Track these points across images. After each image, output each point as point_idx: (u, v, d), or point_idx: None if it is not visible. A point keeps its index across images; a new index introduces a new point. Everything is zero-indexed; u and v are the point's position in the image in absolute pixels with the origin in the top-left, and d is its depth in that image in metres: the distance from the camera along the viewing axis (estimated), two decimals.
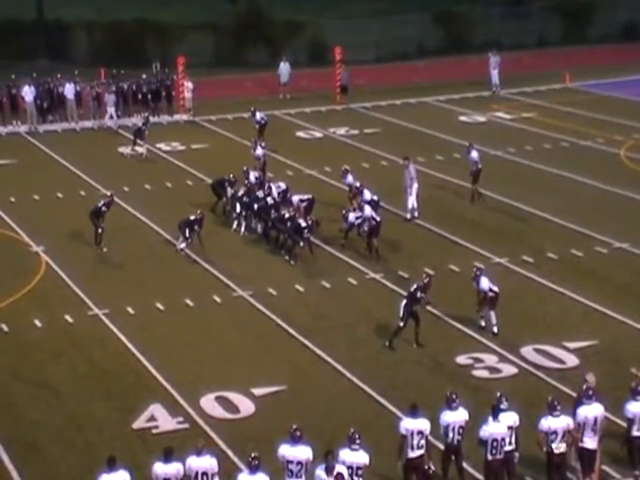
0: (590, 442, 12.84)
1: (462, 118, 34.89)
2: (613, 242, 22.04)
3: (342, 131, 33.39)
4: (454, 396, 13.03)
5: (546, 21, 47.27)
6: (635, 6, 47.08)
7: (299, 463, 12.05)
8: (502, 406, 12.80)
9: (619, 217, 23.65)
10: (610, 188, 25.93)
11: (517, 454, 12.90)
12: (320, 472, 11.85)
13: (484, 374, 16.56)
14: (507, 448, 12.74)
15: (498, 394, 13.05)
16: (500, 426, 12.60)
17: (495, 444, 12.55)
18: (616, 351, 17.01)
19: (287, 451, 12.15)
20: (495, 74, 38.12)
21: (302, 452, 12.12)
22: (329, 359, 17.06)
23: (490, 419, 12.67)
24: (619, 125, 32.40)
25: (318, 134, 33.35)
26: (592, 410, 12.92)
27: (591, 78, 39.07)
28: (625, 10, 47.00)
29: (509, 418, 12.77)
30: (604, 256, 21.43)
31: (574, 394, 14.71)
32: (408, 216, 23.85)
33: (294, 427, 12.33)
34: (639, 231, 22.41)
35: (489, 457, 12.63)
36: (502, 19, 48.15)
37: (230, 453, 14.18)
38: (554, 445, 12.65)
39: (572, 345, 17.27)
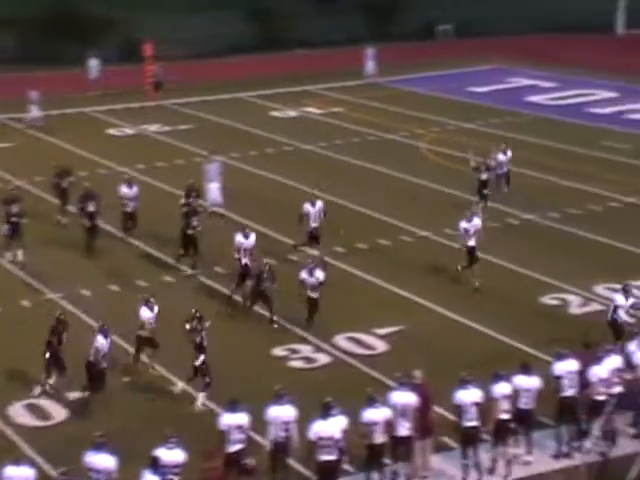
0: (403, 430, 13.19)
1: (274, 113, 35.52)
2: (417, 231, 23.18)
3: (155, 127, 33.16)
4: (282, 392, 13.17)
5: (355, 18, 48.71)
6: (431, 6, 49.45)
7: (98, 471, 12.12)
8: (333, 411, 12.85)
9: (421, 206, 24.89)
10: (413, 179, 27.21)
11: (346, 458, 13.00)
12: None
13: (300, 364, 17.00)
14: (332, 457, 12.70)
15: (328, 399, 13.07)
16: (328, 425, 12.73)
17: (322, 443, 12.64)
18: (421, 334, 17.87)
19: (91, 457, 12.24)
20: (371, 64, 39.95)
21: (105, 460, 12.14)
22: (144, 358, 16.98)
23: (319, 419, 12.79)
24: (420, 119, 33.99)
25: (130, 131, 32.97)
26: (404, 397, 13.31)
27: (394, 74, 40.66)
28: (423, 10, 49.23)
29: (340, 421, 12.87)
30: (409, 244, 22.49)
31: (385, 379, 15.46)
32: (215, 209, 24.20)
33: (99, 434, 12.35)
34: (440, 220, 23.67)
35: (320, 458, 12.69)
36: (313, 16, 49.22)
37: (41, 461, 13.92)
38: (375, 436, 13.02)
39: (381, 331, 18.02)
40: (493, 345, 17.45)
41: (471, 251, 19.77)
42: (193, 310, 15.92)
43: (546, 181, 26.56)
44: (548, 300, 19.34)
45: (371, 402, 13.11)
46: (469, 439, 13.38)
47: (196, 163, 27.97)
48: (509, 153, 25.24)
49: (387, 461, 13.38)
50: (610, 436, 13.76)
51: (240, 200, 24.62)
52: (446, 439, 14.18)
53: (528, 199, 24.92)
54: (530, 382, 13.71)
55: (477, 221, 19.94)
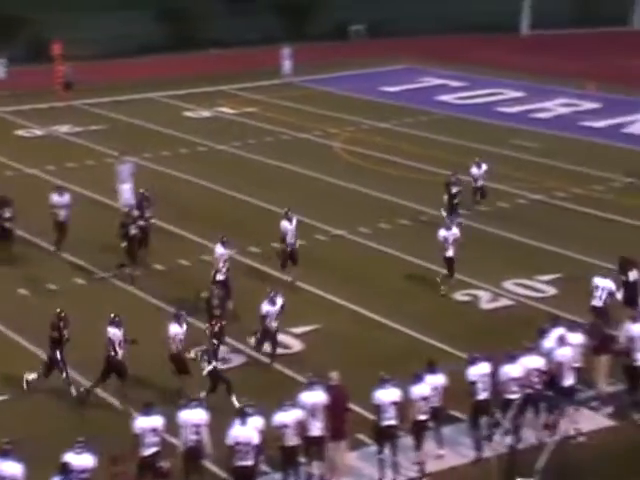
0: (315, 430, 13.20)
1: (187, 113, 35.32)
2: (331, 230, 23.36)
3: (65, 128, 32.61)
4: (190, 395, 13.15)
5: (269, 18, 48.76)
6: (343, 6, 49.93)
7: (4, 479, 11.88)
8: (249, 410, 12.86)
9: (336, 205, 25.09)
10: (327, 178, 27.40)
11: (262, 457, 13.01)
12: None
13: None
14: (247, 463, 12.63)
15: (243, 402, 13.03)
16: (246, 429, 12.69)
17: (239, 448, 12.59)
18: (337, 333, 18.02)
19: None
20: (287, 64, 40.12)
21: (12, 467, 11.93)
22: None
23: (237, 423, 12.74)
24: (334, 118, 34.25)
25: (39, 132, 32.36)
26: (313, 397, 13.35)
27: (309, 74, 40.91)
28: (336, 10, 49.65)
29: (256, 422, 12.86)
30: (324, 243, 22.63)
31: (301, 378, 15.51)
32: (127, 210, 23.94)
33: (5, 440, 12.13)
34: (354, 218, 23.93)
35: (235, 463, 12.64)
36: (227, 16, 49.09)
37: None
38: (287, 438, 13.03)
39: (297, 330, 18.05)
40: (408, 342, 17.69)
41: (449, 261, 19.62)
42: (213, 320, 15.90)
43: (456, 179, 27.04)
44: (459, 296, 19.72)
45: (281, 405, 13.13)
46: (387, 438, 13.49)
47: (108, 164, 27.64)
48: (484, 167, 24.38)
49: (302, 461, 13.43)
50: (519, 429, 14.10)
51: (152, 201, 24.35)
52: (363, 437, 14.28)
53: (439, 196, 25.35)
54: (436, 380, 13.87)
55: (455, 230, 19.82)
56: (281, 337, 17.80)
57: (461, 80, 40.47)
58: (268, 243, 22.23)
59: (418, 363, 14.37)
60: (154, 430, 12.84)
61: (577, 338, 14.99)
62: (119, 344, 15.46)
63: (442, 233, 19.76)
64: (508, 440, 14.03)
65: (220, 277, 18.57)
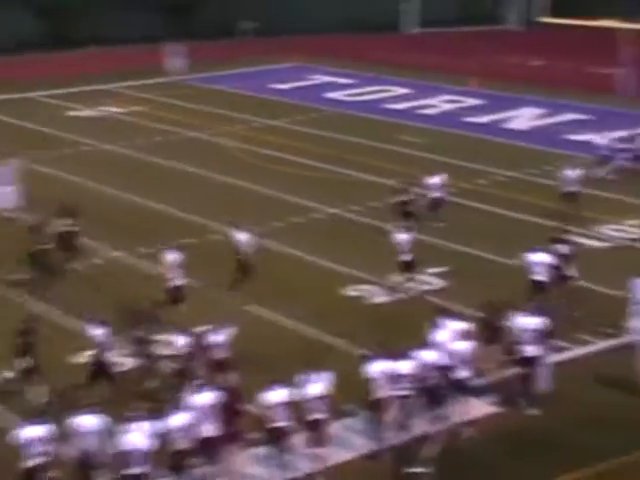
0: (205, 432, 13.04)
1: (71, 113, 34.48)
2: (224, 228, 23.13)
3: None
4: (90, 402, 12.93)
5: (152, 15, 48.09)
6: (230, 4, 49.71)
7: None
8: (138, 420, 12.62)
9: (228, 204, 24.90)
10: (219, 177, 27.20)
11: (152, 463, 12.67)
12: None
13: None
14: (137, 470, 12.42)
15: (133, 409, 12.80)
16: (135, 436, 12.43)
17: (128, 455, 12.29)
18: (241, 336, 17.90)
19: None
20: (174, 61, 39.43)
21: None
22: None
23: (127, 429, 12.49)
24: (224, 116, 34.08)
25: None
26: (202, 398, 13.23)
27: (196, 72, 40.58)
28: (222, 7, 49.41)
29: (144, 427, 12.60)
30: (217, 242, 22.42)
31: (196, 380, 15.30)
32: (7, 215, 23.26)
33: None
34: (247, 217, 23.66)
35: (125, 471, 12.35)
36: (108, 12, 48.13)
37: None
38: (179, 442, 12.80)
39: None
40: (301, 340, 17.69)
41: (408, 264, 19.42)
42: None
43: (348, 175, 27.32)
44: (350, 292, 19.85)
45: (171, 408, 12.99)
46: (278, 439, 13.41)
47: None
48: (443, 177, 23.77)
49: (194, 463, 13.25)
50: (410, 421, 14.30)
51: (37, 203, 23.69)
52: (256, 437, 14.17)
53: (332, 193, 25.55)
54: (325, 378, 13.75)
55: (410, 234, 19.60)
56: (173, 338, 17.56)
57: (350, 77, 40.86)
58: (158, 243, 21.91)
59: (311, 361, 14.37)
60: (40, 440, 12.43)
61: (465, 329, 15.31)
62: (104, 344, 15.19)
63: (398, 238, 19.62)
64: (400, 432, 14.20)
65: (178, 282, 17.98)
